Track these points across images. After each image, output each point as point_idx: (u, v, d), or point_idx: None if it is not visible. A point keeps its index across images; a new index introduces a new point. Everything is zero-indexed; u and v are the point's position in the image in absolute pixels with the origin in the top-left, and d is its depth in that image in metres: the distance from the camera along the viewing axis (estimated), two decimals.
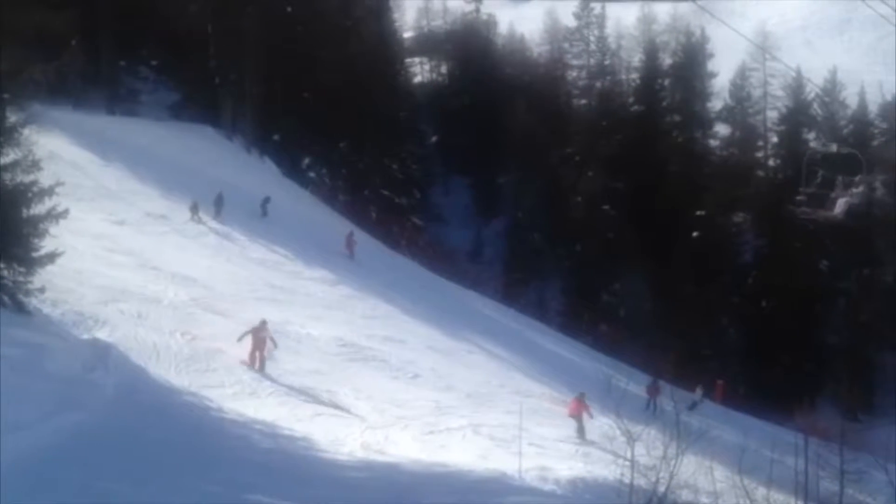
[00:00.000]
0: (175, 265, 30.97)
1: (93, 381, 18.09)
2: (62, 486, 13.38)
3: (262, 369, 23.44)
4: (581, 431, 24.13)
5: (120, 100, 52.25)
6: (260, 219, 41.49)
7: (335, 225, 47.91)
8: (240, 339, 23.42)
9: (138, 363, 20.49)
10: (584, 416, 24.08)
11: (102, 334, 21.36)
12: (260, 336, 23.61)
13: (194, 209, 38.35)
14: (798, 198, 22.51)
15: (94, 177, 37.71)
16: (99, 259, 27.78)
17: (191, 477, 15.25)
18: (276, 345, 24.20)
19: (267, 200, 42.61)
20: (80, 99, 48.52)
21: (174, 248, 33.66)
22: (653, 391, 32.38)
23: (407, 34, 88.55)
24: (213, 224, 38.60)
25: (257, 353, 23.50)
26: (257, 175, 50.22)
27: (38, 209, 19.55)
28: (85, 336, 20.73)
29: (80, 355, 18.88)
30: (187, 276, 30.23)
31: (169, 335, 23.51)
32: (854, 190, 21.59)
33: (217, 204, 39.52)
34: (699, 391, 36.88)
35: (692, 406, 32.75)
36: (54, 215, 19.76)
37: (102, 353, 19.46)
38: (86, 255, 27.62)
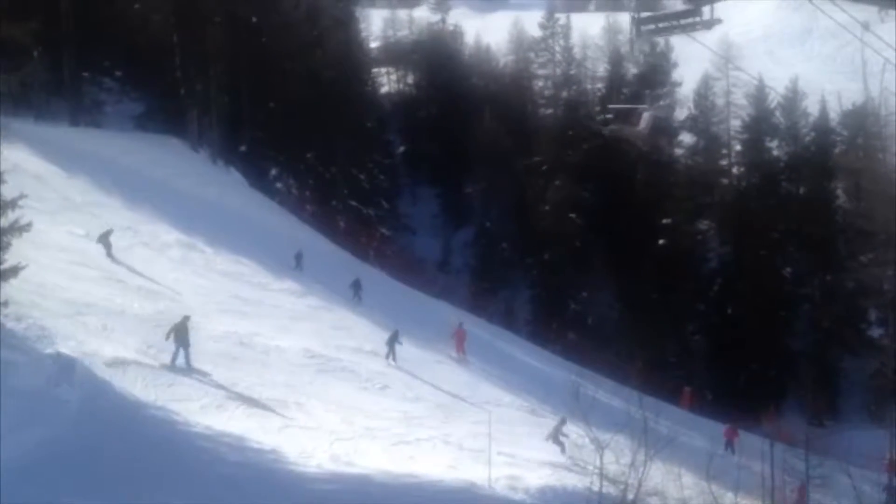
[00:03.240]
0: (140, 278, 30.70)
1: (57, 395, 17.88)
2: (26, 502, 13.21)
3: None
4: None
5: (84, 111, 51.73)
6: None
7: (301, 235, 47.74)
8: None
9: (103, 377, 20.23)
10: None
11: (67, 348, 21.06)
12: None
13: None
14: (606, 116, 22.71)
15: (57, 189, 37.24)
16: (63, 272, 27.44)
17: (157, 492, 15.14)
18: None
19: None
20: (42, 110, 48.05)
21: (139, 261, 33.33)
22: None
23: (373, 44, 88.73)
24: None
25: None
26: (223, 186, 49.91)
27: (1, 222, 19.32)
28: (49, 350, 20.41)
29: (44, 370, 18.65)
30: (153, 288, 29.97)
31: (135, 349, 23.28)
32: (660, 103, 21.77)
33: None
34: None
35: None
36: (17, 228, 19.53)
37: (67, 368, 19.22)
38: (50, 268, 27.27)
